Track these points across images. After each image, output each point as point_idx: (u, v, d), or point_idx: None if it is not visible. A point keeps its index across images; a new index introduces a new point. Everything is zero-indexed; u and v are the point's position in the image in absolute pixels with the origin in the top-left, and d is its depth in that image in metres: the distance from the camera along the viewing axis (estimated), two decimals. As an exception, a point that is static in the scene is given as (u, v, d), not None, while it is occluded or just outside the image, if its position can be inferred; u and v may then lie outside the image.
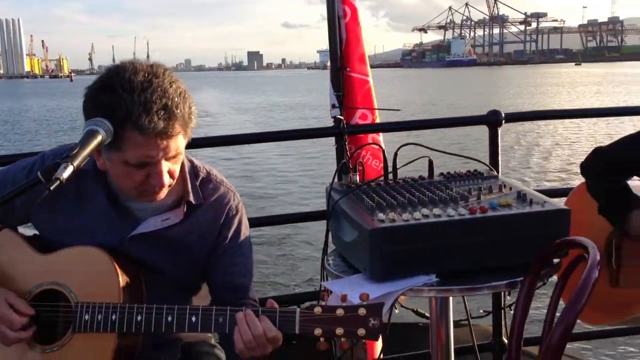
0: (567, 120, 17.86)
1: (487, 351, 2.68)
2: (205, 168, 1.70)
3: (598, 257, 1.34)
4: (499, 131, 2.55)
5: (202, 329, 1.45)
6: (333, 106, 2.58)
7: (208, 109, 40.06)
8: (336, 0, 2.61)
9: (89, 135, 1.32)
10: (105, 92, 1.38)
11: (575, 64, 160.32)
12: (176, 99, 1.41)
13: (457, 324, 2.75)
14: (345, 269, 1.86)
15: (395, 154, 2.05)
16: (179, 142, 1.45)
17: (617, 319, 1.99)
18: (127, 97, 1.35)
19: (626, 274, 1.94)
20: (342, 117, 2.54)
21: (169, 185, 1.51)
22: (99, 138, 1.32)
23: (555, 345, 1.21)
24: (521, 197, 1.82)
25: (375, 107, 2.63)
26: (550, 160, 15.27)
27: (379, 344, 2.60)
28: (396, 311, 2.38)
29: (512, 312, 1.79)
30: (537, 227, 1.72)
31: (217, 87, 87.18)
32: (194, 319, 1.44)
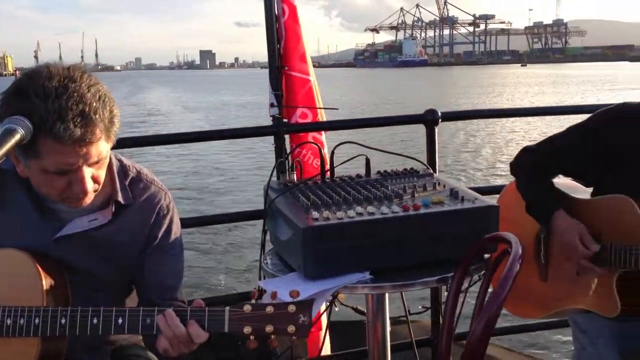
0: (505, 120, 18.42)
1: (426, 346, 2.72)
2: (135, 167, 1.67)
3: (520, 252, 1.38)
4: (436, 130, 2.60)
5: (129, 330, 1.42)
6: (272, 105, 2.57)
7: (159, 108, 39.50)
8: (274, -1, 2.60)
9: (6, 133, 1.27)
10: (19, 98, 1.33)
11: (521, 65, 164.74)
12: (94, 104, 1.35)
13: (398, 320, 2.80)
14: (282, 268, 1.86)
15: (332, 153, 2.06)
16: (100, 148, 1.39)
17: (547, 313, 2.05)
18: (40, 105, 1.29)
19: (553, 269, 2.00)
20: (280, 116, 2.54)
21: (95, 191, 1.46)
22: (17, 137, 1.27)
23: (478, 338, 1.23)
24: (453, 194, 1.85)
25: (318, 106, 2.63)
26: (488, 159, 15.62)
27: (320, 342, 2.63)
28: (336, 309, 2.41)
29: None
30: (467, 223, 1.75)
31: (168, 86, 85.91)
32: (120, 320, 1.40)
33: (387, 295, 1.94)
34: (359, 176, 2.09)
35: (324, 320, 2.56)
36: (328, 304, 2.38)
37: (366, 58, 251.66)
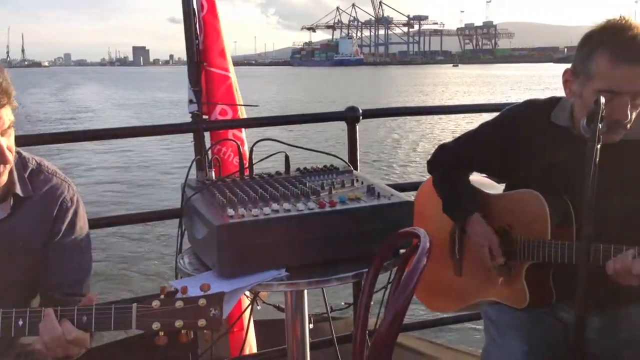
0: (438, 117, 18.82)
1: (348, 343, 2.74)
2: (35, 159, 1.61)
3: (427, 246, 1.41)
4: (357, 127, 2.61)
5: (29, 332, 1.35)
6: (190, 101, 2.52)
7: (88, 105, 38.24)
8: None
9: None
10: None
11: (453, 66, 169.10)
12: None
13: (321, 317, 2.81)
14: (198, 267, 1.83)
15: (251, 150, 2.05)
16: (8, 113, 1.41)
17: (462, 306, 2.10)
18: None
19: (467, 264, 2.05)
20: (200, 113, 2.50)
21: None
22: None
23: (385, 333, 1.25)
24: (370, 190, 1.88)
25: (238, 103, 2.60)
26: (413, 155, 15.84)
27: (242, 340, 2.61)
28: (258, 307, 2.39)
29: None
30: (383, 219, 1.78)
31: (100, 82, 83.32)
32: (20, 322, 1.34)
33: (305, 292, 1.95)
34: (278, 173, 2.09)
35: (246, 319, 2.54)
36: (249, 302, 2.37)
37: (303, 57, 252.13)
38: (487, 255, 1.89)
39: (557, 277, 1.84)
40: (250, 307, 2.36)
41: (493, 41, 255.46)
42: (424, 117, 18.39)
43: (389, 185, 2.59)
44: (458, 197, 2.04)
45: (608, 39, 1.64)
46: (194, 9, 2.51)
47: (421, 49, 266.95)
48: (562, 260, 1.76)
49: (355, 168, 2.46)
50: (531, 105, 2.01)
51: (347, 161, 2.36)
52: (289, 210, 1.71)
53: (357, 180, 2.00)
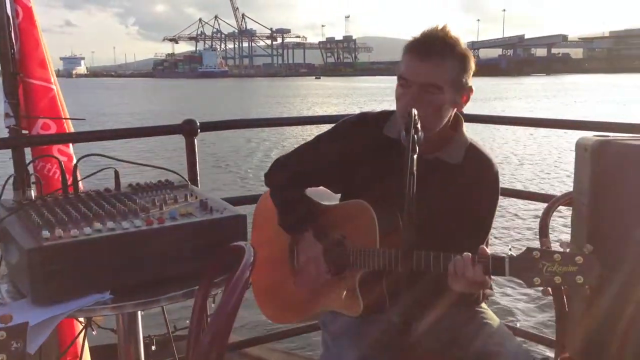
0: (292, 128, 18.82)
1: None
2: None
3: (250, 261, 1.39)
4: (195, 140, 2.54)
5: None
6: (7, 115, 2.32)
7: None
8: (8, -1, 2.34)
9: None
10: None
11: (315, 78, 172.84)
12: None
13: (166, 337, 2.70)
14: (15, 295, 1.67)
15: (75, 166, 1.92)
16: None
17: (303, 317, 2.11)
18: None
19: (305, 275, 2.07)
20: (18, 127, 2.31)
21: None
22: None
23: (205, 352, 1.21)
24: (203, 205, 1.83)
25: (63, 116, 2.44)
26: (257, 167, 15.51)
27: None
28: (93, 332, 2.24)
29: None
30: (216, 234, 1.74)
31: None
32: None
33: (139, 313, 1.85)
34: (107, 190, 1.98)
35: (79, 345, 2.37)
36: (82, 327, 2.22)
37: (166, 68, 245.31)
38: (313, 273, 1.94)
39: (390, 284, 1.91)
40: (84, 332, 2.21)
41: (353, 54, 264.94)
42: (275, 128, 18.34)
43: (231, 198, 2.57)
44: (292, 212, 2.06)
45: (412, 38, 1.83)
46: (7, 15, 2.31)
47: (285, 61, 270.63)
48: (389, 267, 1.82)
49: (195, 182, 2.40)
50: (364, 118, 2.07)
51: (187, 176, 2.30)
52: (113, 229, 1.62)
53: (192, 195, 1.95)
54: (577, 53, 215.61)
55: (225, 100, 53.89)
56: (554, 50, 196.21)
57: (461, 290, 1.69)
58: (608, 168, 1.71)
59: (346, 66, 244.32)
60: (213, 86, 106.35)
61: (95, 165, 2.07)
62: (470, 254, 1.65)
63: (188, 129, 2.52)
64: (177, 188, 2.04)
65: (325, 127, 2.15)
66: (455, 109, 1.90)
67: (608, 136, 1.83)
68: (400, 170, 1.75)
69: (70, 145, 2.49)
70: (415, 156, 1.62)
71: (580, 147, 1.82)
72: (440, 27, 1.80)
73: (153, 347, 2.10)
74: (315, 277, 1.93)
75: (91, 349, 2.41)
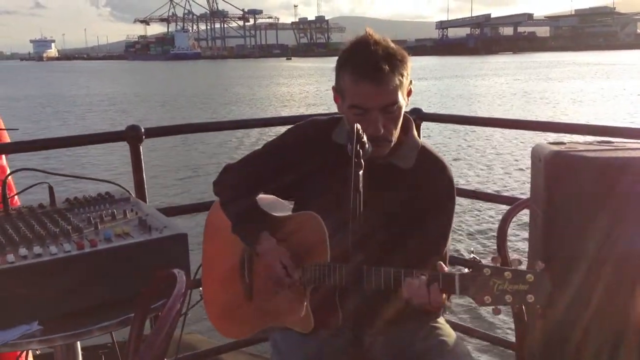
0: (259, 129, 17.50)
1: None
2: None
3: (182, 289, 1.30)
4: (141, 147, 2.41)
5: None
6: None
7: None
8: None
9: None
10: None
11: (287, 59, 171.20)
12: None
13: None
14: None
15: (4, 182, 1.80)
16: None
17: (253, 331, 2.03)
18: None
19: (257, 288, 1.99)
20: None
21: None
22: None
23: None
24: (142, 223, 1.73)
25: (-4, 125, 2.29)
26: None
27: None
28: (37, 352, 2.14)
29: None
30: (153, 255, 1.65)
31: None
32: None
33: (78, 343, 1.76)
34: (41, 206, 1.87)
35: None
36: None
37: (138, 50, 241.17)
38: (280, 272, 1.83)
39: (343, 299, 1.84)
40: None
41: (326, 35, 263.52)
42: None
43: (182, 206, 2.46)
44: (245, 218, 1.97)
45: (350, 56, 1.72)
46: None
47: (258, 42, 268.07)
48: (339, 282, 1.75)
49: (142, 192, 2.29)
50: (313, 124, 2.00)
51: (134, 185, 2.19)
52: (39, 255, 1.51)
53: (132, 210, 1.85)
54: (544, 32, 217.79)
55: (203, 84, 53.26)
56: (520, 29, 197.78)
57: (418, 306, 1.63)
58: (561, 179, 1.65)
59: (319, 47, 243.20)
60: (186, 68, 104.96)
61: (34, 177, 1.96)
62: (425, 276, 1.58)
63: (133, 136, 2.39)
64: (117, 202, 1.94)
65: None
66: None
67: (564, 143, 1.78)
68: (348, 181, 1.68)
69: (3, 156, 2.34)
70: (361, 172, 1.56)
71: (535, 156, 1.76)
72: (366, 38, 1.71)
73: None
74: (283, 276, 1.82)
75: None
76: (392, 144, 1.79)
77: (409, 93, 1.81)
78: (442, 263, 1.60)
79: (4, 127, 2.27)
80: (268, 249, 1.87)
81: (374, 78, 1.66)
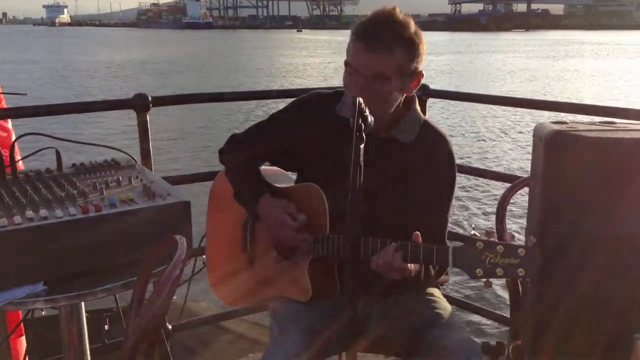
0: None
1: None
2: None
3: (182, 257, 1.34)
4: (148, 115, 2.42)
5: None
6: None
7: None
8: None
9: None
10: None
11: (297, 31, 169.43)
12: None
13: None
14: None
15: (12, 146, 1.83)
16: None
17: (254, 299, 2.08)
18: None
19: (259, 256, 2.03)
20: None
21: None
22: None
23: (128, 355, 1.17)
24: (146, 189, 1.77)
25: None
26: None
27: (22, 349, 2.40)
28: (43, 312, 2.20)
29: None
30: (157, 221, 1.68)
31: None
32: None
33: (82, 305, 1.81)
34: (48, 171, 1.90)
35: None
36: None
37: (150, 18, 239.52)
38: (286, 220, 1.84)
39: (341, 270, 1.87)
40: (30, 313, 2.16)
41: (339, 7, 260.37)
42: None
43: (186, 175, 2.49)
44: (248, 184, 2.00)
45: (364, 19, 1.77)
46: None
47: (271, 13, 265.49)
48: (337, 254, 1.79)
49: (149, 160, 2.32)
50: (317, 97, 2.02)
51: (140, 153, 2.21)
52: (45, 218, 1.55)
53: (137, 178, 1.88)
54: (557, 9, 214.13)
55: (215, 53, 52.96)
56: (533, 6, 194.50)
57: (384, 275, 1.69)
58: (561, 159, 1.66)
59: (332, 19, 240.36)
60: (198, 37, 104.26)
61: (40, 142, 1.98)
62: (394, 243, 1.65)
63: (139, 104, 2.40)
64: (123, 169, 1.97)
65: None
66: (405, 94, 1.84)
67: (566, 123, 1.78)
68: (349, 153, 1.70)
69: (9, 120, 2.37)
70: (362, 146, 1.58)
71: (536, 134, 1.77)
72: (388, 8, 1.72)
73: (106, 326, 2.05)
74: (293, 229, 1.85)
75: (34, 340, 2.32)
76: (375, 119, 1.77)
77: (416, 83, 1.82)
78: (418, 234, 1.65)
79: (8, 92, 2.28)
80: (268, 205, 1.91)
81: (369, 42, 1.70)
